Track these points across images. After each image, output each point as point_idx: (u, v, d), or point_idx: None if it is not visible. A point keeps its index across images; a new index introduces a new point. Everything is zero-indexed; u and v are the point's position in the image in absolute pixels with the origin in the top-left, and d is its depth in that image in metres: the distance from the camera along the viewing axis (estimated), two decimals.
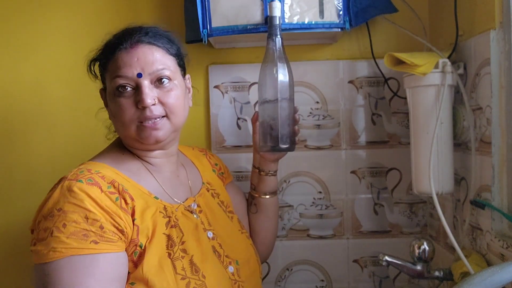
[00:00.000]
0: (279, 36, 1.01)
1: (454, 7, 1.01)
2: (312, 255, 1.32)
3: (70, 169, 0.84)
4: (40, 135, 1.31)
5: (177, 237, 0.84)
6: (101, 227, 0.75)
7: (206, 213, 0.95)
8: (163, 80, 0.86)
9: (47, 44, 1.30)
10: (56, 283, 0.71)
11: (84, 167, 0.82)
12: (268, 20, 1.02)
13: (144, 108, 0.83)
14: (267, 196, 1.10)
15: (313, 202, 1.31)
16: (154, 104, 0.84)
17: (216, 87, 1.30)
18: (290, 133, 1.01)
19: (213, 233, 0.92)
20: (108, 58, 0.86)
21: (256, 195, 1.11)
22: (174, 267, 0.81)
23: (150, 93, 0.83)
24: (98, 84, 0.94)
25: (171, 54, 0.90)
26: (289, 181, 1.31)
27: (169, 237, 0.83)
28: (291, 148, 1.02)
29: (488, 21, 0.92)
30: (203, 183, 1.02)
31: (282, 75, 1.00)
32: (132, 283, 0.78)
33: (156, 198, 0.87)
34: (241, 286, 0.91)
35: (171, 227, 0.85)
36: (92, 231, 0.74)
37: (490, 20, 0.91)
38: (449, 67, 0.99)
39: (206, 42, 1.12)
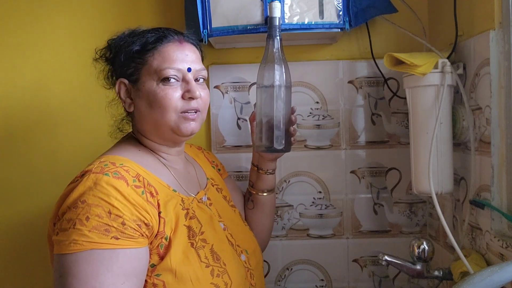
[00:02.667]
0: (278, 37, 1.01)
1: (454, 7, 1.01)
2: (312, 255, 1.32)
3: (90, 161, 0.84)
4: (42, 135, 1.31)
5: (196, 228, 0.88)
6: (123, 223, 0.76)
7: (216, 206, 0.98)
8: (200, 80, 0.92)
9: (49, 44, 1.30)
10: (74, 275, 0.73)
11: (106, 160, 0.83)
12: (268, 21, 1.02)
13: (191, 99, 0.88)
14: (264, 194, 1.12)
15: (313, 202, 1.31)
16: (200, 98, 0.90)
17: (216, 87, 1.30)
18: (286, 134, 1.02)
19: (224, 225, 0.96)
20: (152, 47, 0.88)
21: (254, 192, 1.13)
22: (199, 255, 0.84)
23: (197, 86, 0.89)
24: (100, 82, 0.94)
25: (202, 57, 0.97)
26: (289, 181, 1.31)
27: (189, 228, 0.86)
28: (286, 149, 1.02)
29: (487, 21, 0.93)
30: (207, 178, 1.05)
31: (280, 76, 1.00)
32: (158, 275, 0.80)
33: (174, 191, 0.89)
34: (252, 274, 0.96)
35: (190, 218, 0.88)
36: (114, 227, 0.75)
37: (490, 20, 0.91)
38: (448, 67, 0.99)
39: (206, 42, 1.12)
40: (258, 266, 1.01)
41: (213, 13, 1.10)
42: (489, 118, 0.92)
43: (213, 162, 1.14)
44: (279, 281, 1.33)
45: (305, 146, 1.30)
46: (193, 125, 0.89)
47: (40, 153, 1.32)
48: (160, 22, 1.29)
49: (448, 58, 1.01)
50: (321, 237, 1.32)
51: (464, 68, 1.02)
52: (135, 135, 0.94)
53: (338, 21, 1.11)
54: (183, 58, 0.89)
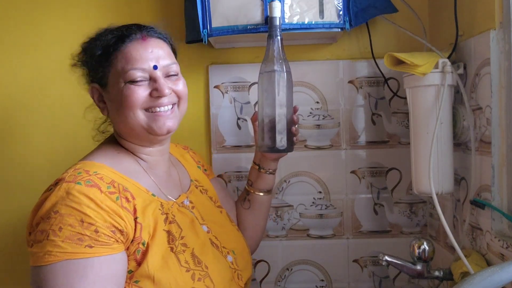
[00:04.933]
0: (279, 37, 1.01)
1: (454, 7, 1.01)
2: (312, 255, 1.32)
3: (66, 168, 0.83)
4: (40, 135, 1.31)
5: (176, 232, 0.86)
6: (96, 231, 0.75)
7: (199, 208, 0.96)
8: (172, 74, 0.89)
9: (47, 43, 1.30)
10: (51, 287, 0.73)
11: (81, 168, 0.82)
12: (268, 20, 1.02)
13: (160, 97, 0.85)
14: (262, 194, 1.11)
15: (313, 202, 1.31)
16: (170, 94, 0.87)
17: (216, 87, 1.30)
18: (288, 134, 1.02)
19: (207, 227, 0.94)
20: (114, 50, 0.85)
21: (252, 191, 1.11)
22: (179, 260, 0.83)
23: (165, 84, 0.86)
24: (83, 86, 0.93)
25: (172, 49, 0.93)
26: (289, 181, 1.31)
27: (169, 232, 0.85)
28: (288, 149, 1.02)
29: (488, 21, 0.92)
30: (191, 180, 1.03)
31: (281, 76, 1.00)
32: (137, 281, 0.79)
33: (153, 195, 0.87)
34: (240, 274, 0.94)
35: (170, 223, 0.86)
36: (87, 235, 0.74)
37: (490, 20, 0.91)
38: (449, 67, 0.99)
39: (206, 42, 1.12)
40: (247, 265, 0.99)
41: (213, 13, 1.09)
42: (490, 118, 0.91)
43: (199, 162, 1.12)
44: (279, 281, 1.33)
45: (305, 146, 1.30)
46: (168, 123, 0.87)
47: (38, 153, 1.32)
48: (160, 22, 1.29)
49: (448, 58, 1.01)
50: (321, 237, 1.31)
51: (465, 68, 1.02)
52: (116, 137, 0.93)
53: (338, 21, 1.11)
54: (147, 56, 0.85)
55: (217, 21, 1.10)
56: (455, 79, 1.00)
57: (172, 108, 0.88)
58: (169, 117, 0.87)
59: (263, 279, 1.32)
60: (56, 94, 1.31)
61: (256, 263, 1.32)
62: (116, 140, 0.92)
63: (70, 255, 0.73)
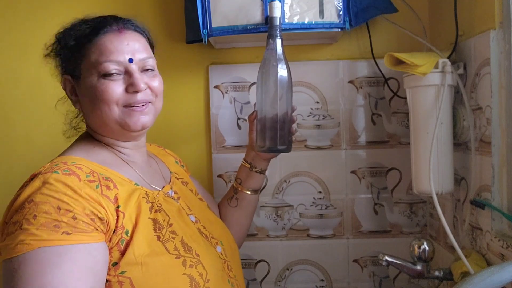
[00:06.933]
0: (279, 37, 1.01)
1: (454, 7, 1.01)
2: (312, 255, 1.32)
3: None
4: (40, 134, 1.32)
5: (163, 220, 0.83)
6: (74, 218, 0.70)
7: (184, 199, 0.95)
8: (148, 69, 0.86)
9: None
10: (22, 278, 0.66)
11: (58, 161, 0.79)
12: (268, 20, 1.02)
13: (136, 92, 0.82)
14: (250, 192, 1.10)
15: (313, 202, 1.31)
16: (145, 89, 0.84)
17: (216, 87, 1.30)
18: (288, 134, 1.02)
19: (195, 217, 0.93)
20: (87, 41, 0.82)
21: (240, 189, 1.10)
22: (166, 248, 0.80)
23: (141, 78, 0.83)
24: (57, 78, 0.90)
25: (149, 43, 0.91)
26: (289, 181, 1.31)
27: (155, 220, 0.82)
28: (288, 149, 1.03)
29: (488, 21, 0.92)
30: (171, 172, 1.01)
31: (281, 76, 1.00)
32: (123, 272, 0.75)
33: (136, 184, 0.85)
34: (229, 265, 0.93)
35: (156, 211, 0.83)
36: (64, 222, 0.69)
37: (490, 20, 0.91)
38: (449, 67, 0.99)
39: (206, 42, 1.12)
40: (234, 257, 0.98)
41: (213, 12, 1.09)
42: (490, 118, 0.91)
43: (177, 158, 1.11)
44: (279, 281, 1.33)
45: (305, 146, 1.30)
46: (143, 119, 0.83)
47: (39, 152, 1.31)
48: (160, 22, 1.29)
49: (448, 58, 1.01)
50: (321, 237, 1.31)
51: (465, 68, 1.02)
52: (89, 132, 0.89)
53: (338, 21, 1.11)
54: (122, 48, 0.81)
55: (217, 21, 1.10)
56: (455, 79, 1.00)
57: (146, 105, 0.85)
58: (143, 112, 0.84)
59: (263, 279, 1.32)
60: (57, 93, 1.30)
61: (256, 263, 1.32)
62: (90, 135, 0.89)
63: (45, 243, 0.68)
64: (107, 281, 0.74)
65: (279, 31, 1.01)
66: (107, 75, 0.81)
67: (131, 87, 0.82)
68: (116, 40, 0.82)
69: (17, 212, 0.71)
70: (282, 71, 1.00)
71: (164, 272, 0.77)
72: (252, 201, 1.12)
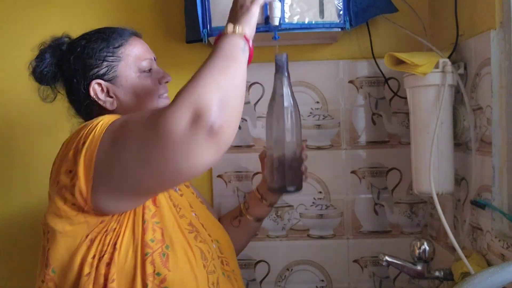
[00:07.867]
0: (286, 74, 0.98)
1: (455, 7, 1.01)
2: (312, 255, 1.32)
3: None
4: (40, 134, 1.31)
5: (174, 205, 0.91)
6: None
7: (187, 197, 0.99)
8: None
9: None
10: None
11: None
12: (275, 59, 0.99)
13: (167, 82, 0.96)
14: (253, 219, 1.12)
15: (313, 202, 1.31)
16: None
17: None
18: (298, 173, 1.00)
19: (196, 214, 0.97)
20: (120, 45, 0.91)
21: (245, 214, 1.12)
22: (179, 224, 0.87)
23: None
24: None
25: None
26: None
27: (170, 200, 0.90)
28: (298, 189, 1.01)
29: (488, 21, 0.92)
30: None
31: (290, 114, 0.98)
32: (157, 222, 0.84)
33: None
34: (226, 261, 0.96)
35: (166, 198, 0.90)
36: None
37: (491, 20, 0.91)
38: (449, 67, 0.99)
39: (206, 42, 1.11)
40: (232, 254, 1.01)
41: (213, 12, 1.09)
42: (490, 118, 0.91)
43: None
44: (279, 281, 1.32)
45: (306, 146, 1.30)
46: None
47: (39, 153, 1.31)
48: (160, 22, 1.29)
49: (449, 57, 1.01)
50: (321, 237, 1.31)
51: (465, 67, 1.02)
52: None
53: (338, 21, 1.11)
54: (146, 48, 0.95)
55: (217, 21, 1.10)
56: (455, 79, 1.00)
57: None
58: (168, 99, 0.95)
59: (263, 279, 1.32)
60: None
61: (256, 263, 1.32)
62: None
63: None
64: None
65: (287, 68, 0.98)
66: (146, 71, 0.92)
67: (163, 78, 0.94)
68: (140, 43, 0.95)
69: (81, 130, 0.80)
70: (291, 109, 0.98)
71: (182, 239, 0.85)
72: (254, 226, 1.14)
